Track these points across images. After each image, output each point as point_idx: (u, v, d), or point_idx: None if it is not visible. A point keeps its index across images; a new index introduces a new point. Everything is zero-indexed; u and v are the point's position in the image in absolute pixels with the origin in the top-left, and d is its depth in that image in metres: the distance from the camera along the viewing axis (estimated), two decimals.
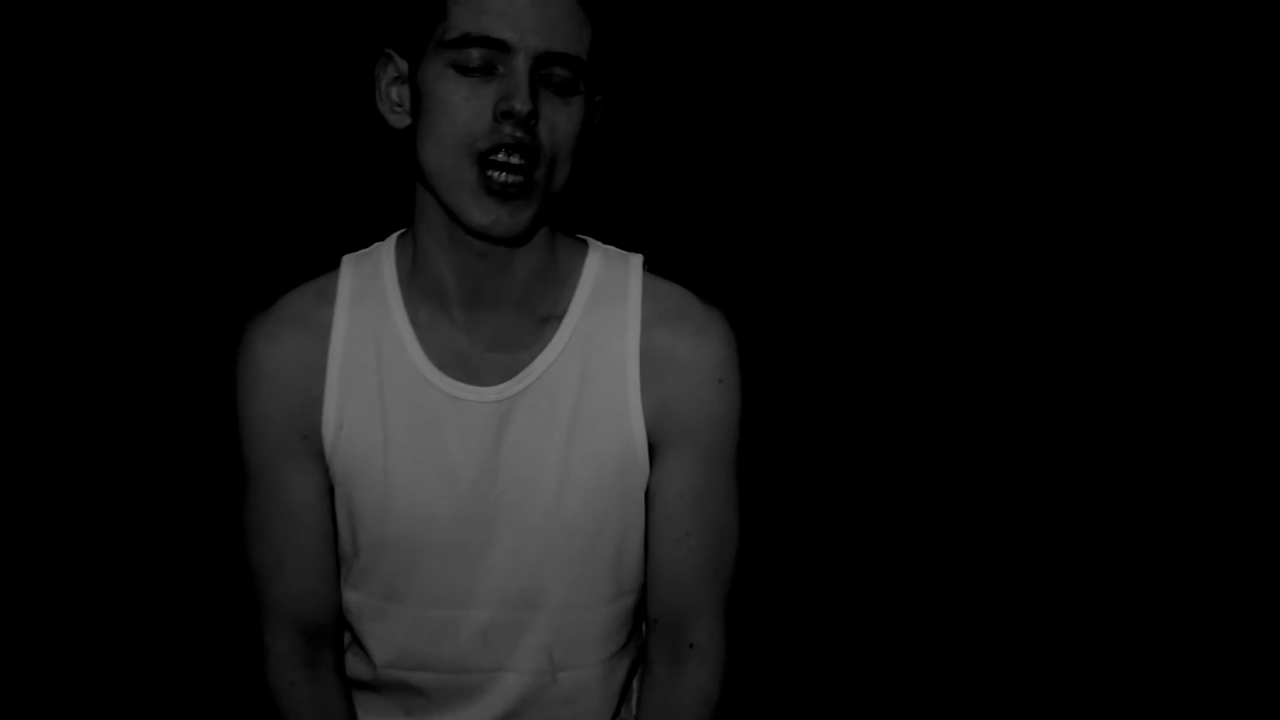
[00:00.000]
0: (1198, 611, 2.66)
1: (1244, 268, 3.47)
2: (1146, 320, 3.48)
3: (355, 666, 1.32)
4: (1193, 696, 2.41)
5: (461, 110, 1.05)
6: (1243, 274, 3.46)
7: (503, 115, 1.04)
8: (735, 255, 3.62)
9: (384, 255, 1.22)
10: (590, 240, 1.25)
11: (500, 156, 1.05)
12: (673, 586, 1.22)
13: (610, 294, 1.19)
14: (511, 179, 1.06)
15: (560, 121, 1.07)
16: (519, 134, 1.04)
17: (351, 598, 1.28)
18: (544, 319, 1.18)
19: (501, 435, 1.17)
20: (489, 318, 1.17)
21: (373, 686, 1.31)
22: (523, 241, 1.13)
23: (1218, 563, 2.82)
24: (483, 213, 1.07)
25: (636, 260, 1.23)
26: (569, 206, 1.17)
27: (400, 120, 1.13)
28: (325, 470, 1.22)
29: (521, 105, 1.03)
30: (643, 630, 1.31)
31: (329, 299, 1.21)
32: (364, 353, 1.19)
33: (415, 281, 1.19)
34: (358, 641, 1.31)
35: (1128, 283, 3.53)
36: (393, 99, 1.14)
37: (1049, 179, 3.64)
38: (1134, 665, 2.51)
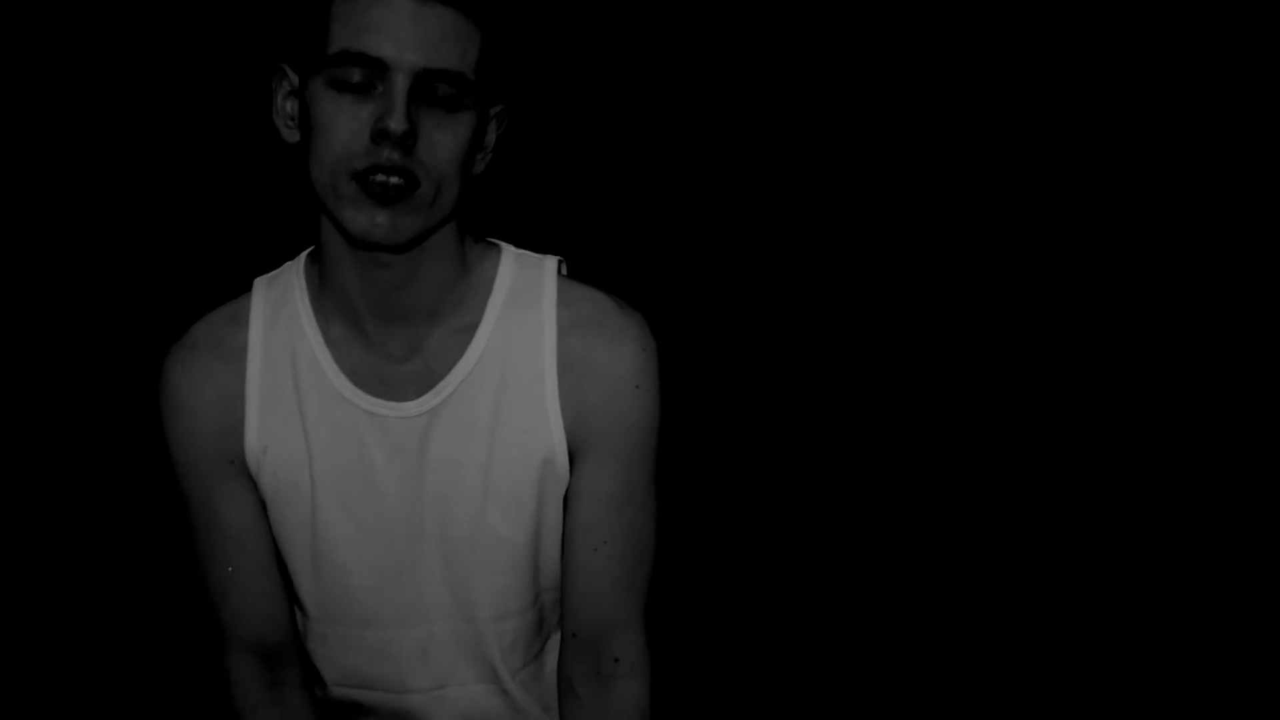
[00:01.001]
0: (1171, 611, 2.60)
1: (1244, 268, 3.38)
2: (1129, 323, 3.45)
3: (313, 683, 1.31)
4: (1189, 696, 2.35)
5: (339, 129, 1.02)
6: (1243, 274, 3.38)
7: (378, 135, 1.01)
8: (731, 256, 3.60)
9: (294, 275, 1.21)
10: (503, 244, 1.23)
11: (379, 177, 1.02)
12: (591, 598, 1.19)
13: (525, 300, 1.17)
14: (392, 180, 1.03)
15: (443, 139, 1.04)
16: (395, 157, 1.01)
17: (297, 616, 1.28)
18: (458, 329, 1.16)
19: (424, 449, 1.16)
20: (401, 331, 1.15)
21: (326, 704, 1.30)
22: (407, 249, 1.11)
23: (1210, 562, 2.74)
24: (364, 217, 1.04)
25: (551, 263, 1.20)
26: (493, 210, 1.15)
27: (291, 135, 1.12)
28: (257, 490, 1.21)
29: (396, 125, 1.00)
30: (555, 615, 1.28)
31: (242, 322, 1.20)
32: (281, 374, 1.18)
33: (325, 298, 1.17)
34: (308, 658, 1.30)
35: (1125, 288, 3.50)
36: (286, 113, 1.12)
37: (1048, 183, 3.61)
38: (1106, 665, 2.47)
